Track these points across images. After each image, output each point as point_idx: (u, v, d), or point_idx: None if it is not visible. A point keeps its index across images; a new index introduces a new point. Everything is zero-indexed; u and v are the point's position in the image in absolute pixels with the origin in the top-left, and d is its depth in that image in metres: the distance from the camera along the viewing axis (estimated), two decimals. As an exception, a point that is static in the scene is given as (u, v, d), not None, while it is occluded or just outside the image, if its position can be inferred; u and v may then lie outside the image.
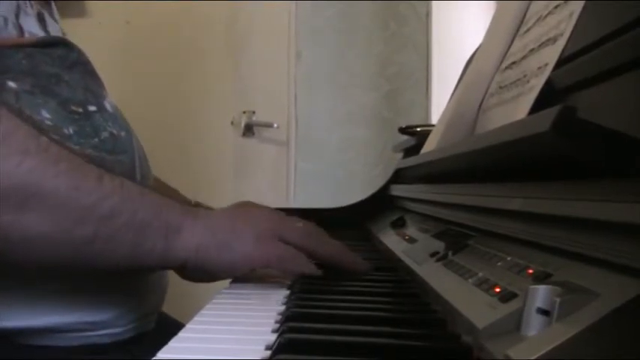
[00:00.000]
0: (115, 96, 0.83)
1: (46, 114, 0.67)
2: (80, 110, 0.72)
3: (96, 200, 0.56)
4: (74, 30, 0.90)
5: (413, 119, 2.02)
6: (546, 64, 0.55)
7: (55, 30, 0.82)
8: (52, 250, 0.55)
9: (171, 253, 0.61)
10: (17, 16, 0.75)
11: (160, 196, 0.64)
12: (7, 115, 0.53)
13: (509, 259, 0.47)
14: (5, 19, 0.73)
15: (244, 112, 2.16)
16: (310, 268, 0.68)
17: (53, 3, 0.86)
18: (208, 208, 1.04)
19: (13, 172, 0.51)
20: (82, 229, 0.55)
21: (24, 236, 0.53)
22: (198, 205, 1.03)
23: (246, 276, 0.73)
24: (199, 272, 0.64)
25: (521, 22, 0.70)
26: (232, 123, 2.18)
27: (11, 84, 0.67)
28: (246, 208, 0.72)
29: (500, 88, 0.68)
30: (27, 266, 0.59)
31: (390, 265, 0.78)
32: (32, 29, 0.77)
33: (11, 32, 0.73)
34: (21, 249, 0.54)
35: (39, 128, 0.57)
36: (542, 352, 0.29)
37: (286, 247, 0.67)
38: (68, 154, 0.56)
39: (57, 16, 0.85)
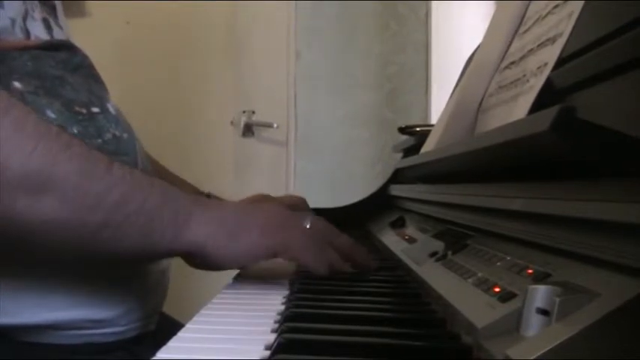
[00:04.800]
0: (114, 96, 0.83)
1: (50, 114, 0.68)
2: (84, 111, 0.73)
3: (107, 187, 0.56)
4: (74, 30, 0.90)
5: (412, 119, 2.02)
6: (546, 64, 0.55)
7: (59, 36, 0.82)
8: (65, 235, 0.56)
9: (180, 241, 0.61)
10: (25, 19, 0.76)
11: (171, 185, 0.64)
12: (18, 103, 0.54)
13: (508, 259, 0.47)
14: (13, 21, 0.74)
15: (244, 112, 2.16)
16: (315, 261, 0.68)
17: (58, 6, 0.86)
18: (219, 199, 1.05)
19: (28, 157, 0.52)
20: (94, 215, 0.56)
21: (40, 221, 0.54)
22: (209, 195, 1.04)
23: (250, 270, 0.74)
24: (207, 261, 0.64)
25: (521, 22, 0.70)
26: (232, 123, 2.18)
27: (17, 85, 0.68)
28: (256, 202, 0.73)
29: (500, 88, 0.68)
30: (41, 252, 0.60)
31: (390, 265, 0.78)
32: (38, 33, 0.78)
33: (18, 35, 0.74)
34: (36, 234, 0.55)
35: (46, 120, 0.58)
36: (542, 352, 0.29)
37: (291, 234, 0.68)
38: (78, 141, 0.57)
39: (62, 21, 0.86)
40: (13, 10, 0.74)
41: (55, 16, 0.84)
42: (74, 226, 0.56)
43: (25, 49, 0.73)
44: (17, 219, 0.53)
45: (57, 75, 0.73)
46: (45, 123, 0.55)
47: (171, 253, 0.65)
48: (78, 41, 0.82)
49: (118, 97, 0.85)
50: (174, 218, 0.61)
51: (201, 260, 0.64)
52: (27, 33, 0.76)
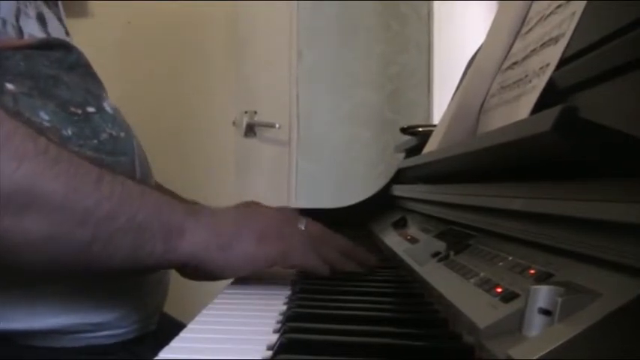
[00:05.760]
0: (116, 96, 0.83)
1: (44, 116, 0.67)
2: (79, 112, 0.72)
3: (95, 202, 0.55)
4: (75, 30, 0.90)
5: (415, 119, 2.02)
6: (548, 64, 0.55)
7: (57, 31, 0.82)
8: (52, 253, 0.55)
9: (172, 254, 0.60)
10: (17, 18, 0.75)
11: (163, 195, 0.63)
12: (5, 117, 0.53)
13: (510, 259, 0.47)
14: (4, 21, 0.72)
15: (246, 112, 2.16)
16: (315, 262, 0.68)
17: (60, 4, 0.86)
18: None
19: (11, 176, 0.51)
20: (82, 232, 0.55)
21: (24, 240, 0.53)
22: (195, 204, 1.03)
23: (249, 276, 0.73)
24: (201, 273, 0.63)
25: (523, 22, 0.70)
26: (234, 123, 2.18)
27: (9, 86, 0.67)
28: (249, 208, 0.72)
29: (502, 88, 0.68)
30: (27, 270, 0.59)
31: (392, 265, 0.78)
32: (32, 31, 0.76)
33: (10, 34, 0.73)
34: (21, 253, 0.54)
35: (38, 129, 0.56)
36: (544, 352, 0.29)
37: (289, 241, 0.67)
38: (68, 155, 0.56)
39: (63, 16, 0.85)
40: (4, 9, 0.73)
41: (57, 10, 0.84)
42: (62, 242, 0.55)
43: (19, 48, 0.72)
44: (3, 237, 0.52)
45: (51, 74, 0.72)
46: (33, 138, 0.54)
47: (164, 266, 0.65)
48: (80, 41, 0.82)
49: (119, 97, 0.85)
50: (166, 230, 0.60)
51: (194, 272, 0.63)
52: (20, 32, 0.75)
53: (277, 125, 2.12)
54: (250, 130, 2.16)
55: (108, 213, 0.56)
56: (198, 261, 0.62)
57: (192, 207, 0.65)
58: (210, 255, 0.62)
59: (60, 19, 0.83)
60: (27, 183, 0.52)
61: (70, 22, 0.88)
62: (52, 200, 0.53)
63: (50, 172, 0.53)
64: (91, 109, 0.73)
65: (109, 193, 0.56)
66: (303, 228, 0.71)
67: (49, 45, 0.76)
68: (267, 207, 0.74)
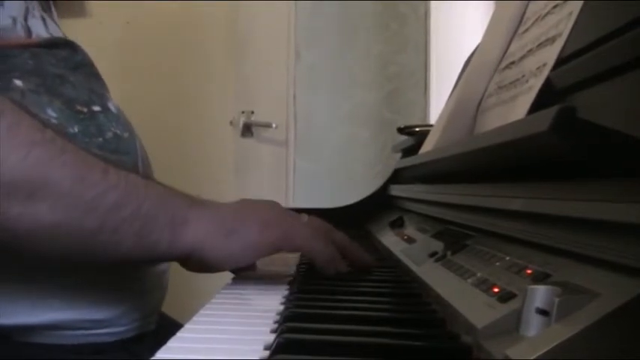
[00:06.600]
0: (114, 96, 0.83)
1: (51, 113, 0.68)
2: (85, 110, 0.73)
3: (102, 191, 0.56)
4: (75, 30, 0.90)
5: (412, 119, 2.02)
6: (545, 64, 0.55)
7: (56, 33, 0.82)
8: (60, 241, 0.56)
9: (178, 244, 0.61)
10: (26, 18, 0.76)
11: (166, 187, 0.64)
12: (12, 107, 0.53)
13: (508, 259, 0.47)
14: (14, 20, 0.74)
15: (243, 112, 2.15)
16: (319, 246, 0.69)
17: (52, 5, 0.86)
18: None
19: (20, 163, 0.51)
20: (90, 220, 0.55)
21: (33, 227, 0.53)
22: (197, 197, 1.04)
23: (247, 275, 0.74)
24: (206, 263, 0.64)
25: (520, 22, 0.70)
26: (231, 123, 2.18)
27: (17, 82, 0.68)
28: (251, 200, 0.73)
29: (499, 88, 0.68)
30: (34, 259, 0.59)
31: (389, 265, 0.78)
32: (39, 31, 0.78)
33: (20, 33, 0.74)
34: (30, 241, 0.54)
35: (43, 122, 0.57)
36: (541, 352, 0.29)
37: (292, 225, 0.68)
38: (73, 146, 0.56)
39: (56, 18, 0.86)
40: (15, 8, 0.74)
41: (50, 13, 0.84)
42: (69, 231, 0.55)
43: (26, 47, 0.73)
44: (10, 226, 0.52)
45: (58, 73, 0.73)
46: (39, 127, 0.54)
47: (170, 257, 0.65)
48: (78, 41, 0.82)
49: (117, 97, 0.85)
50: (170, 221, 0.60)
51: (199, 262, 0.63)
52: (29, 31, 0.76)
53: (274, 125, 2.12)
54: (247, 129, 2.16)
55: (115, 202, 0.56)
56: (202, 251, 0.62)
57: (195, 198, 0.66)
58: (213, 245, 0.63)
59: (55, 22, 0.84)
60: (36, 170, 0.52)
61: (68, 22, 0.88)
62: (60, 187, 0.53)
63: (58, 160, 0.54)
64: (96, 108, 0.74)
65: (115, 183, 0.57)
66: (305, 220, 0.72)
67: (55, 44, 0.77)
68: (268, 200, 0.75)
